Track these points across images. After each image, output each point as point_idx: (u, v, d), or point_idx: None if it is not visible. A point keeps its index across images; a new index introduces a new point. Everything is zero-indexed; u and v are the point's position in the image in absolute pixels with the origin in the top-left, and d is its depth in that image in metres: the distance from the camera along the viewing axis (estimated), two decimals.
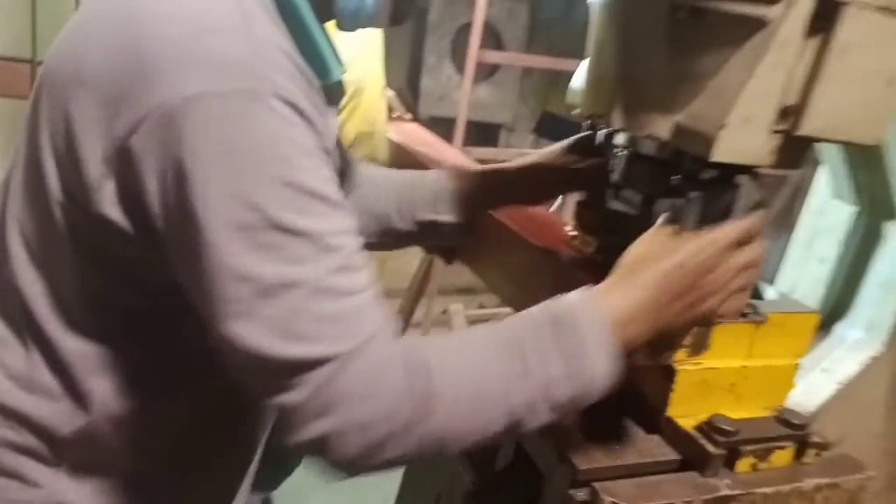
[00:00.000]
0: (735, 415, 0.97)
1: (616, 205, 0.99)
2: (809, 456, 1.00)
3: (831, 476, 0.99)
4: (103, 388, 0.81)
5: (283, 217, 0.67)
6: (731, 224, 0.78)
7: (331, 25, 0.84)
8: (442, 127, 3.86)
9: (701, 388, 0.97)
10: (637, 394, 1.00)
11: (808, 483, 0.97)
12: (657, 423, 0.99)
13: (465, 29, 4.70)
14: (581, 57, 0.95)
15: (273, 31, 0.73)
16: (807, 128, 0.76)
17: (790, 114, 0.76)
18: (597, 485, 0.88)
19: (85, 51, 0.73)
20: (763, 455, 0.96)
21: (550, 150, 1.13)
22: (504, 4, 5.17)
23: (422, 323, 3.57)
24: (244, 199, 0.66)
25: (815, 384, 1.17)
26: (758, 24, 0.73)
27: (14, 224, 0.82)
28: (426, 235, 1.15)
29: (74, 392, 0.81)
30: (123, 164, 0.69)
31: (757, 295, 1.08)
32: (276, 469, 2.15)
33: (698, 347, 0.96)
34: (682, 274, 0.77)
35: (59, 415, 0.82)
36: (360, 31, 0.90)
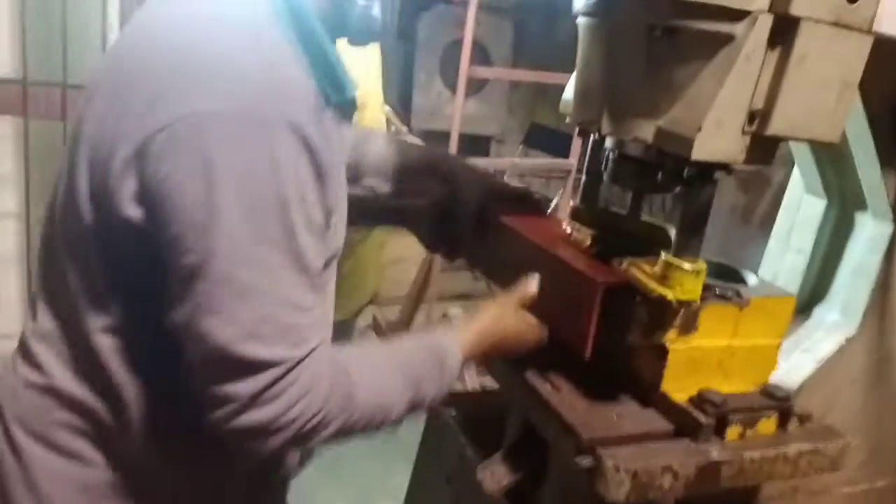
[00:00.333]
0: (723, 390, 1.08)
1: (607, 203, 1.10)
2: (792, 425, 1.10)
3: (813, 442, 1.09)
4: (134, 377, 0.90)
5: (275, 233, 0.78)
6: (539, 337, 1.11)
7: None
8: (434, 141, 3.98)
9: (691, 365, 1.08)
10: (633, 372, 1.10)
11: (792, 449, 1.07)
12: (652, 397, 1.09)
13: (453, 46, 4.84)
14: (565, 70, 1.05)
15: (293, 59, 0.84)
16: (773, 129, 0.87)
17: (757, 117, 0.87)
18: (600, 450, 0.98)
19: (133, 64, 0.84)
20: (749, 424, 1.07)
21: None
22: (490, 22, 5.31)
23: (424, 328, 3.68)
24: (242, 212, 0.76)
25: (796, 363, 1.27)
26: (725, 40, 0.85)
27: (60, 228, 0.92)
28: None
29: (111, 380, 0.90)
30: (144, 161, 0.78)
31: (740, 280, 1.19)
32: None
33: (687, 328, 1.06)
34: (503, 349, 1.10)
35: (99, 400, 0.91)
36: (362, 51, 1.01)
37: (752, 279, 1.19)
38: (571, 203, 1.20)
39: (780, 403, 1.08)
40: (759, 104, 0.87)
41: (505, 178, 4.19)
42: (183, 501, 0.99)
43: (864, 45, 0.88)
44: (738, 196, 4.55)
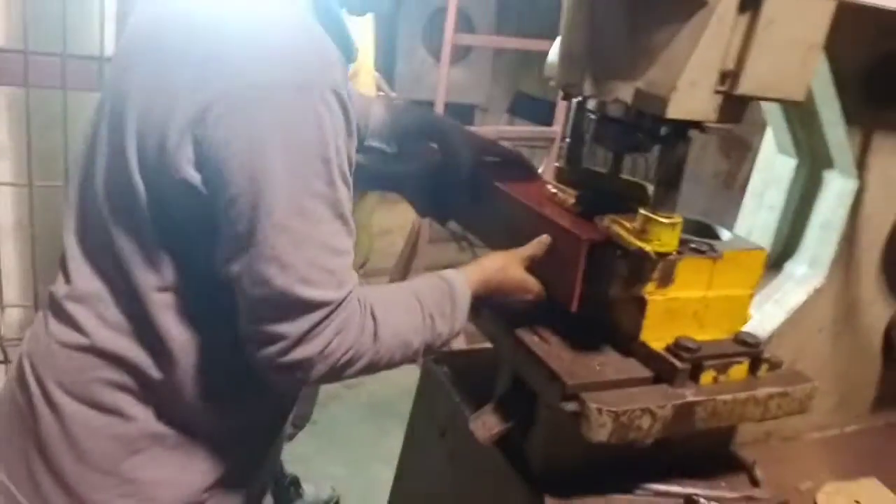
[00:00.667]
0: (699, 338, 1.14)
1: (589, 164, 1.16)
2: (763, 371, 1.17)
3: (782, 386, 1.16)
4: (181, 329, 0.96)
5: (317, 185, 0.86)
6: (539, 290, 1.16)
7: None
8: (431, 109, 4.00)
9: (668, 315, 1.14)
10: (614, 323, 1.17)
11: (762, 392, 1.14)
12: (632, 347, 1.16)
13: (437, 14, 4.84)
14: (549, 37, 1.10)
15: (321, 29, 0.90)
16: (743, 88, 0.92)
17: (729, 77, 0.92)
18: (584, 394, 1.05)
19: (179, 35, 0.89)
20: (722, 369, 1.14)
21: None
22: None
23: None
24: (298, 170, 0.84)
25: (768, 314, 1.34)
26: (699, 4, 0.89)
27: (104, 193, 0.96)
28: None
29: (158, 334, 0.96)
30: (201, 127, 0.84)
31: (715, 236, 1.26)
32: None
33: (665, 280, 1.13)
34: (505, 293, 1.16)
35: (146, 355, 0.97)
36: (358, 19, 1.05)
37: (725, 234, 1.25)
38: (555, 165, 1.25)
39: (750, 350, 1.15)
40: (729, 65, 0.92)
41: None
42: (215, 450, 1.05)
43: (828, 10, 0.94)
44: (721, 162, 4.62)
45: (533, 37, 3.59)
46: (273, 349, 0.89)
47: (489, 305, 1.17)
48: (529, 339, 1.17)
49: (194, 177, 0.87)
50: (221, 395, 1.02)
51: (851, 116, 1.18)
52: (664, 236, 1.02)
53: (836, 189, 1.29)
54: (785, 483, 1.31)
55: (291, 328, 0.88)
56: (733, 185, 4.35)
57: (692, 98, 0.92)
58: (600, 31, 0.98)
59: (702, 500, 1.18)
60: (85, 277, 0.98)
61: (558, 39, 1.08)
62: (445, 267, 1.16)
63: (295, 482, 2.57)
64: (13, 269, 2.05)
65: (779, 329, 1.31)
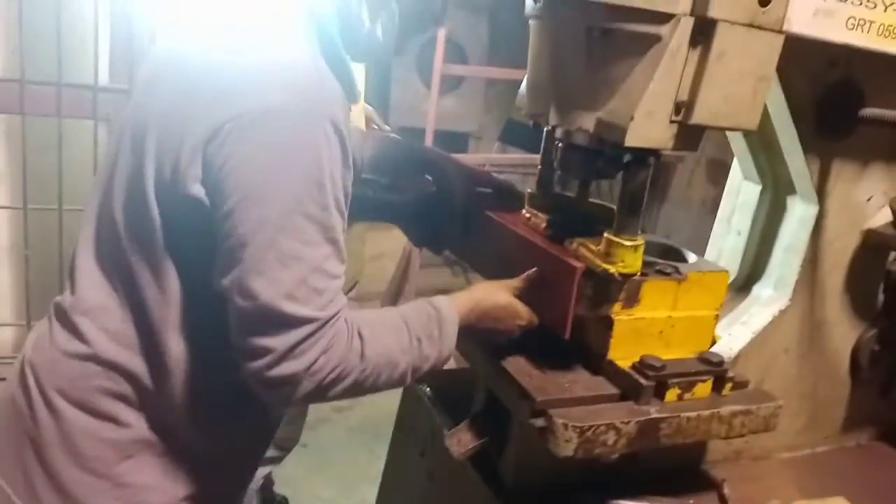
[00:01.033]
0: (665, 357, 1.18)
1: (559, 189, 1.21)
2: (727, 389, 1.21)
3: (745, 404, 1.20)
4: (178, 343, 1.01)
5: (311, 208, 0.92)
6: (530, 316, 1.18)
7: None
8: (411, 137, 4.07)
9: (634, 335, 1.19)
10: (583, 343, 1.21)
11: (726, 409, 1.18)
12: (601, 365, 1.20)
13: (430, 44, 4.93)
14: None
15: (326, 67, 0.97)
16: (696, 118, 0.98)
17: (683, 108, 0.98)
18: (551, 411, 1.09)
19: (198, 67, 0.97)
20: (687, 387, 1.18)
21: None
22: (466, 19, 5.41)
23: None
24: (291, 190, 0.90)
25: (735, 335, 1.38)
26: (653, 40, 0.95)
27: (121, 210, 1.02)
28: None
29: (157, 347, 1.01)
30: (210, 146, 0.91)
31: (681, 259, 1.30)
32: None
33: (631, 301, 1.17)
34: (494, 319, 1.17)
35: (144, 366, 1.02)
36: None
37: (691, 257, 1.30)
38: (528, 190, 1.30)
39: (714, 369, 1.19)
40: (683, 96, 0.97)
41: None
42: (201, 461, 1.09)
43: (776, 43, 0.99)
44: (709, 189, 4.70)
45: (524, 67, 3.66)
46: (260, 363, 0.93)
47: (480, 332, 1.19)
48: (503, 358, 1.21)
49: (199, 192, 0.93)
50: (211, 409, 1.06)
51: (808, 145, 1.24)
52: (627, 258, 1.07)
53: (798, 214, 1.34)
54: (754, 501, 1.34)
55: (277, 343, 0.92)
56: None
57: (649, 127, 0.97)
58: (563, 63, 1.04)
59: None
60: (92, 290, 1.04)
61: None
62: (437, 292, 1.20)
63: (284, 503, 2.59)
64: (8, 289, 2.10)
65: (745, 349, 1.35)
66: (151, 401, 1.04)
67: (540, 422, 1.10)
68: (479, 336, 1.21)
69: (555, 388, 1.15)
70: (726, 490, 1.32)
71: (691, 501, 1.28)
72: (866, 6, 1.04)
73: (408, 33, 1.10)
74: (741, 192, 1.44)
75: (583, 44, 1.00)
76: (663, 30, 0.95)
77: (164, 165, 0.96)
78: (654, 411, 1.13)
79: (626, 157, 1.05)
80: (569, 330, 1.13)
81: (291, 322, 0.92)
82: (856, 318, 1.46)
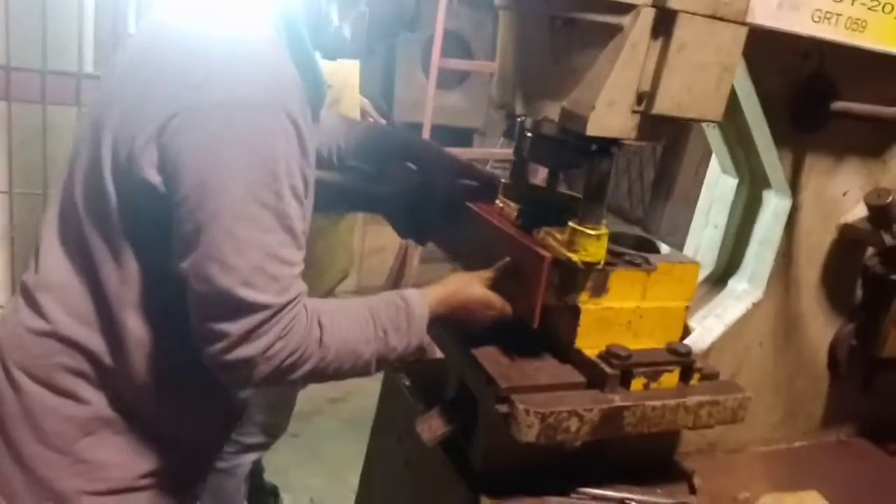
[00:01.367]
0: (633, 347, 1.19)
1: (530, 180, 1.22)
2: (695, 380, 1.22)
3: (712, 394, 1.21)
4: (137, 322, 1.03)
5: (266, 197, 0.94)
6: (503, 306, 1.18)
7: None
8: (416, 132, 4.09)
9: (602, 324, 1.20)
10: (552, 331, 1.22)
11: (692, 399, 1.19)
12: (568, 354, 1.21)
13: (434, 39, 4.94)
14: None
15: (287, 60, 0.99)
16: (658, 108, 0.99)
17: (645, 98, 0.99)
18: (514, 397, 1.10)
19: (159, 57, 0.99)
20: (653, 377, 1.19)
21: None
22: (471, 15, 5.42)
23: None
24: (244, 179, 0.92)
25: (708, 327, 1.39)
26: (615, 30, 0.96)
27: (82, 193, 1.04)
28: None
29: (115, 325, 1.04)
30: (164, 135, 0.93)
31: (654, 250, 1.31)
32: None
33: (598, 290, 1.18)
34: (467, 311, 1.18)
35: (103, 344, 1.04)
36: None
37: (664, 248, 1.31)
38: (503, 181, 1.31)
39: (681, 359, 1.20)
40: (645, 87, 0.98)
41: (488, 167, 4.32)
42: (164, 438, 1.12)
43: (740, 35, 1.00)
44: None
45: None
46: (217, 346, 0.95)
47: (453, 323, 1.20)
48: (475, 346, 1.22)
49: (155, 178, 0.95)
50: (171, 389, 1.08)
51: (780, 139, 1.24)
52: (590, 247, 1.08)
53: (773, 207, 1.34)
54: (724, 493, 1.35)
55: (233, 327, 0.94)
56: None
57: (610, 117, 0.98)
58: (529, 53, 1.05)
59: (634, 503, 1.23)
60: (54, 268, 1.06)
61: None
62: None
63: (274, 492, 2.61)
64: (1, 269, 2.13)
65: (718, 342, 1.36)
66: (111, 379, 1.06)
67: (504, 408, 1.11)
68: (451, 325, 1.22)
69: (520, 375, 1.16)
70: (696, 481, 1.32)
71: (658, 490, 1.28)
72: None
73: (380, 36, 1.12)
74: (718, 185, 1.44)
75: (547, 34, 1.01)
76: (625, 20, 0.95)
77: (119, 151, 0.98)
78: (618, 399, 1.14)
79: (591, 147, 1.06)
80: (538, 319, 1.14)
81: (247, 307, 0.94)
82: (832, 313, 1.46)
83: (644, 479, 1.30)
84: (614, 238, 1.28)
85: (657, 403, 1.16)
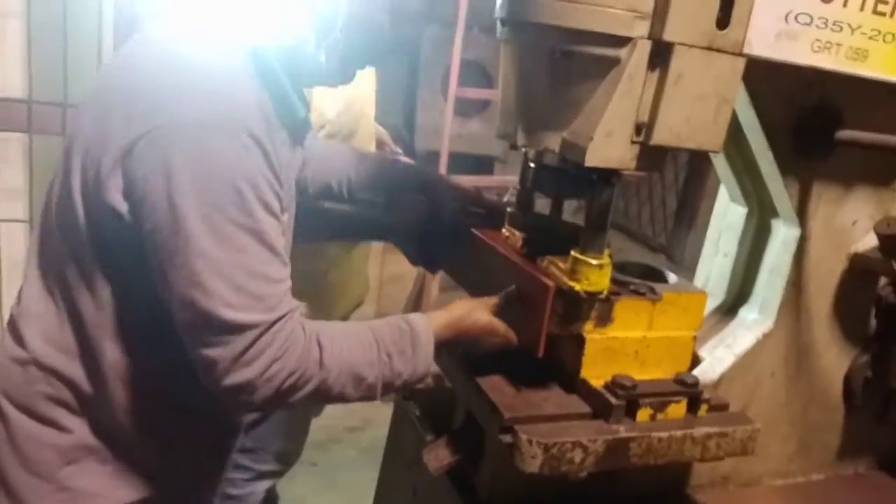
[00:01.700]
0: (640, 377, 1.19)
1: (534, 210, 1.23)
2: (702, 411, 1.21)
3: (720, 426, 1.19)
4: (114, 349, 1.04)
5: (236, 216, 0.94)
6: (508, 333, 1.18)
7: None
8: (436, 160, 4.12)
9: (608, 354, 1.19)
10: (557, 361, 1.22)
11: (699, 431, 1.17)
12: (574, 384, 1.20)
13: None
14: None
15: (249, 83, 1.00)
16: (656, 139, 0.99)
17: (643, 128, 0.99)
18: (518, 427, 1.09)
19: (119, 83, 1.01)
20: (660, 408, 1.17)
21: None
22: (492, 44, 5.47)
23: None
24: (210, 199, 0.92)
25: (719, 357, 1.38)
26: (612, 62, 0.97)
27: (56, 221, 1.06)
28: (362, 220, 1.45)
29: (93, 353, 1.05)
30: (128, 161, 0.94)
31: (662, 279, 1.31)
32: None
33: (603, 320, 1.18)
34: (472, 337, 1.18)
35: (82, 372, 1.05)
36: (359, 78, 1.17)
37: (672, 278, 1.30)
38: (508, 210, 1.32)
39: (688, 390, 1.19)
40: (644, 117, 0.99)
41: (506, 196, 4.32)
42: (146, 470, 1.12)
43: (738, 66, 1.01)
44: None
45: None
46: (214, 373, 0.96)
47: (458, 349, 1.21)
48: (481, 375, 1.22)
49: (122, 205, 0.96)
50: (152, 416, 1.09)
51: (786, 168, 1.24)
52: (592, 276, 1.08)
53: (782, 237, 1.33)
54: None
55: (224, 352, 0.94)
56: None
57: (609, 147, 0.99)
58: (529, 85, 1.06)
59: None
60: (34, 298, 1.08)
61: None
62: None
63: None
64: None
65: (728, 372, 1.34)
66: (92, 407, 1.07)
67: (508, 438, 1.11)
68: (456, 351, 1.22)
69: (525, 405, 1.16)
70: None
71: None
72: (832, 29, 1.05)
73: (356, 63, 1.13)
74: (727, 214, 1.44)
75: (546, 66, 1.02)
76: (621, 53, 0.97)
77: (87, 174, 0.99)
78: (623, 430, 1.13)
79: (592, 177, 1.07)
80: (542, 348, 1.14)
81: (233, 329, 0.94)
82: (846, 343, 1.44)
83: None
84: (621, 267, 1.28)
85: (664, 435, 1.15)
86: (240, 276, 0.94)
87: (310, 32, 1.05)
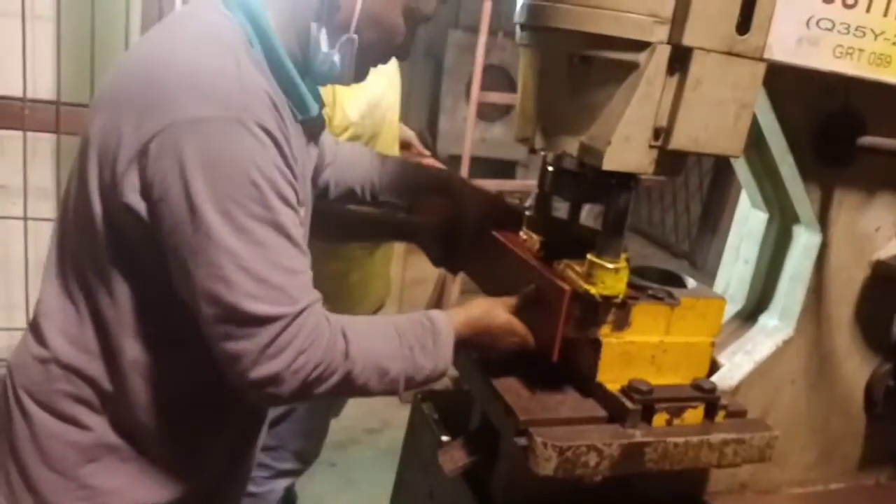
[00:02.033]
0: (657, 382, 1.18)
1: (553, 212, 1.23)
2: (720, 417, 1.20)
3: (738, 432, 1.19)
4: (134, 348, 1.05)
5: (254, 209, 0.94)
6: (526, 334, 1.19)
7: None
8: (459, 164, 4.13)
9: (624, 358, 1.19)
10: (574, 365, 1.22)
11: (716, 437, 1.17)
12: (591, 388, 1.20)
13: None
14: None
15: (260, 78, 1.01)
16: (675, 143, 0.99)
17: (662, 133, 0.99)
18: (533, 430, 1.10)
19: (130, 81, 1.02)
20: (676, 413, 1.17)
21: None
22: (517, 49, 5.48)
23: None
24: (228, 194, 0.93)
25: (737, 364, 1.37)
26: (631, 67, 0.98)
27: (73, 218, 1.08)
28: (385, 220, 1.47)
29: (113, 352, 1.06)
30: (143, 159, 0.95)
31: (681, 284, 1.31)
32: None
33: (620, 324, 1.18)
34: (490, 335, 1.18)
35: (102, 370, 1.07)
36: (383, 81, 1.18)
37: (690, 283, 1.30)
38: (527, 213, 1.33)
39: (705, 395, 1.18)
40: (662, 122, 0.99)
41: (528, 201, 4.33)
42: (168, 468, 1.13)
43: (758, 71, 1.00)
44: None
45: None
46: (240, 367, 0.96)
47: (475, 348, 1.21)
48: (498, 377, 1.23)
49: (139, 204, 0.97)
50: (172, 415, 1.10)
51: (807, 174, 1.23)
52: (608, 280, 1.09)
53: (803, 243, 1.32)
54: None
55: (250, 344, 0.95)
56: None
57: (626, 152, 0.99)
58: (548, 89, 1.07)
59: None
60: (53, 296, 1.09)
61: None
62: None
63: None
64: None
65: (747, 379, 1.33)
66: (113, 405, 1.08)
67: (522, 440, 1.11)
68: (474, 351, 1.23)
69: (541, 408, 1.16)
70: None
71: None
72: (855, 35, 1.04)
73: (369, 63, 1.14)
74: (748, 220, 1.43)
75: (565, 70, 1.02)
76: (640, 57, 0.97)
77: (104, 178, 1.00)
78: (639, 435, 1.13)
79: (610, 181, 1.07)
80: (557, 351, 1.14)
81: (258, 321, 0.94)
82: (868, 351, 1.42)
83: None
84: (639, 272, 1.28)
85: (679, 440, 1.14)
86: (261, 268, 0.94)
87: (323, 31, 1.06)
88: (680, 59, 0.97)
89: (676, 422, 1.17)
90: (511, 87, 5.40)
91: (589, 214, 1.46)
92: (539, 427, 1.11)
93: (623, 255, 1.10)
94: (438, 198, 1.45)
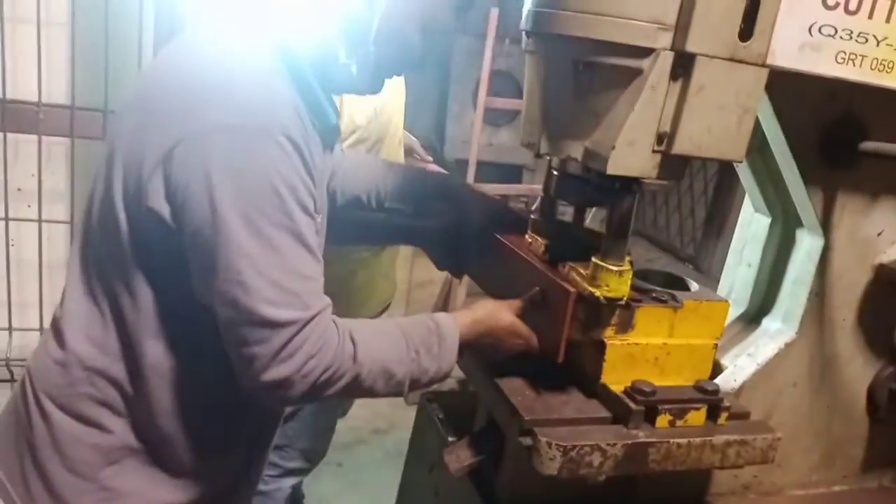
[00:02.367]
0: (660, 384, 1.20)
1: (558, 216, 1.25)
2: (722, 418, 1.21)
3: (740, 434, 1.20)
4: (155, 350, 1.07)
5: (276, 216, 0.97)
6: (530, 335, 1.21)
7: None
8: (465, 169, 4.16)
9: (628, 360, 1.21)
10: (578, 366, 1.24)
11: (719, 438, 1.18)
12: (595, 389, 1.22)
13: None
14: None
15: (285, 88, 1.03)
16: (678, 148, 1.01)
17: (665, 138, 1.01)
18: (537, 430, 1.11)
19: (158, 88, 1.04)
20: (679, 414, 1.18)
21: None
22: (523, 55, 5.50)
23: None
24: (251, 201, 0.95)
25: (740, 366, 1.38)
26: (634, 73, 0.99)
27: (97, 222, 1.10)
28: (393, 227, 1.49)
29: (135, 354, 1.08)
30: (169, 164, 0.97)
31: (684, 287, 1.32)
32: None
33: (624, 326, 1.19)
34: (495, 337, 1.20)
35: (124, 372, 1.08)
36: (389, 86, 1.21)
37: (694, 286, 1.32)
38: (532, 217, 1.35)
39: (708, 397, 1.20)
40: (665, 127, 1.01)
41: (534, 205, 4.34)
42: (188, 471, 1.15)
43: (760, 77, 1.02)
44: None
45: None
46: (252, 370, 0.98)
47: (480, 349, 1.23)
48: (503, 378, 1.24)
49: (163, 208, 0.99)
50: (192, 417, 1.12)
51: (810, 178, 1.24)
52: (612, 283, 1.10)
53: (806, 247, 1.34)
54: None
55: (263, 349, 0.97)
56: None
57: (630, 156, 1.01)
58: (552, 95, 1.09)
59: None
60: (76, 298, 1.11)
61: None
62: None
63: None
64: None
65: (750, 381, 1.35)
66: (134, 407, 1.09)
67: (527, 440, 1.13)
68: (478, 353, 1.25)
69: (545, 408, 1.18)
70: None
71: None
72: (857, 41, 1.06)
73: (386, 74, 1.16)
74: (752, 224, 1.45)
75: (569, 76, 1.04)
76: (644, 63, 0.98)
77: (129, 178, 1.02)
78: (642, 435, 1.14)
79: (615, 185, 1.09)
80: (562, 353, 1.16)
81: (273, 325, 0.97)
82: (870, 355, 1.44)
83: None
84: (643, 275, 1.30)
85: (682, 441, 1.15)
86: (279, 275, 0.97)
87: (342, 43, 1.09)
88: (683, 66, 0.98)
89: (679, 423, 1.19)
90: (517, 92, 5.41)
91: (594, 218, 1.47)
92: (543, 427, 1.12)
93: (627, 259, 1.12)
94: (442, 203, 1.47)
